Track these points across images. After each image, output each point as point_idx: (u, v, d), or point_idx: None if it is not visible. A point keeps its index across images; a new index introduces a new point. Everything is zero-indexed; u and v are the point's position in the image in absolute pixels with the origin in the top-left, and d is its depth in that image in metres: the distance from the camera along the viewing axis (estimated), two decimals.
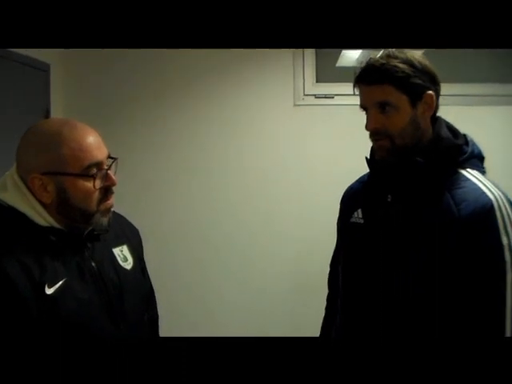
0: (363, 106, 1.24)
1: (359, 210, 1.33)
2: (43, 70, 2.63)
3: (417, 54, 1.22)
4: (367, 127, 1.23)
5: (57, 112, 2.73)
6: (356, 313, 1.31)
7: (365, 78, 1.21)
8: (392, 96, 1.18)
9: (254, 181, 2.94)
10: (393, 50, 1.21)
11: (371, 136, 1.24)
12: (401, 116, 1.19)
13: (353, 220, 1.34)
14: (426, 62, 1.22)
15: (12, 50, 2.31)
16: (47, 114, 2.65)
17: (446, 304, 1.15)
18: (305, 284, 2.84)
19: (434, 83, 1.22)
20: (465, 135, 1.27)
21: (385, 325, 1.22)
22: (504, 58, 2.81)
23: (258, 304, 2.90)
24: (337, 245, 1.51)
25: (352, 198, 1.41)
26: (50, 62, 2.67)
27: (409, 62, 1.18)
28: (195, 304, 2.84)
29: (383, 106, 1.19)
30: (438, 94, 1.23)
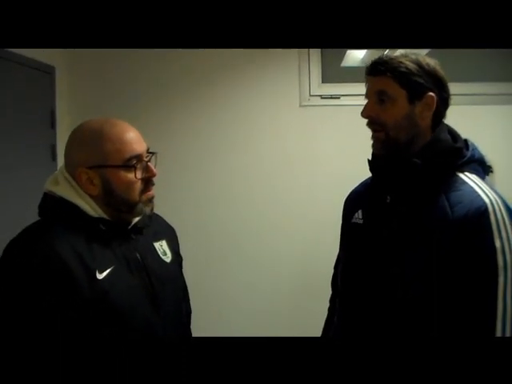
0: (366, 96, 1.27)
1: (360, 211, 1.35)
2: (48, 72, 2.66)
3: (429, 58, 1.23)
4: (362, 113, 1.26)
5: (62, 114, 2.75)
6: (353, 312, 1.32)
7: (371, 70, 1.25)
8: (390, 87, 1.21)
9: (260, 181, 2.93)
10: (407, 51, 1.24)
11: (367, 125, 1.26)
12: (397, 108, 1.21)
13: (353, 221, 1.36)
14: (436, 67, 1.23)
15: (17, 52, 2.33)
16: (53, 116, 2.68)
17: (440, 305, 1.16)
18: (310, 285, 2.82)
19: (440, 88, 1.23)
20: (466, 140, 1.28)
21: (382, 324, 1.22)
22: (505, 57, 2.78)
23: (262, 305, 2.89)
24: (340, 247, 1.51)
25: (354, 200, 1.43)
26: (54, 65, 2.69)
27: (416, 62, 1.20)
28: (200, 304, 2.81)
29: (381, 97, 1.22)
30: (443, 100, 1.24)
